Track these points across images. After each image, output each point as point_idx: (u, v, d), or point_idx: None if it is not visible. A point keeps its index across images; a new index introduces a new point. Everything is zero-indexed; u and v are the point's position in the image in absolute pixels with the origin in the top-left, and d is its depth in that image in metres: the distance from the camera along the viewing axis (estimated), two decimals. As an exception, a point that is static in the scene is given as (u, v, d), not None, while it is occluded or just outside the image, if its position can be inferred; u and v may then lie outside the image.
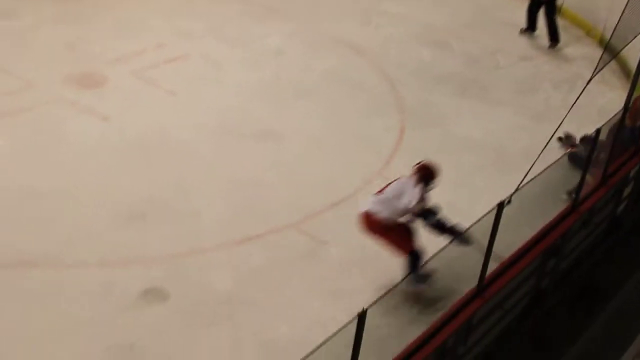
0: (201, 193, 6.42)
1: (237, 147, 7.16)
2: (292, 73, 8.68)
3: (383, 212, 5.26)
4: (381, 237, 5.37)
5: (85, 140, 6.93)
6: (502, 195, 4.87)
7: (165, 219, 6.05)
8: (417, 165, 5.41)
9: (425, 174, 5.34)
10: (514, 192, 5.37)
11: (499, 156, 7.41)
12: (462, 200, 6.33)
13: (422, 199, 5.28)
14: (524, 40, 10.07)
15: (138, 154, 6.84)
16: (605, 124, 6.37)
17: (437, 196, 5.42)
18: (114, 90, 7.76)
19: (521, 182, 5.70)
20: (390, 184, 5.41)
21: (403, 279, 5.29)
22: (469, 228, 4.92)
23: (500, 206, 4.70)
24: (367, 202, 5.37)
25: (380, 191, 5.39)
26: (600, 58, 6.36)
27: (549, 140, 6.32)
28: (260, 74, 8.55)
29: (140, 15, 9.46)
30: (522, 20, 10.14)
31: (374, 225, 5.32)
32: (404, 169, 5.49)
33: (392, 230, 5.33)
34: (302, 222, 6.15)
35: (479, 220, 4.71)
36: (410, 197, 5.23)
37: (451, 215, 5.40)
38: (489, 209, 4.71)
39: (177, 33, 9.15)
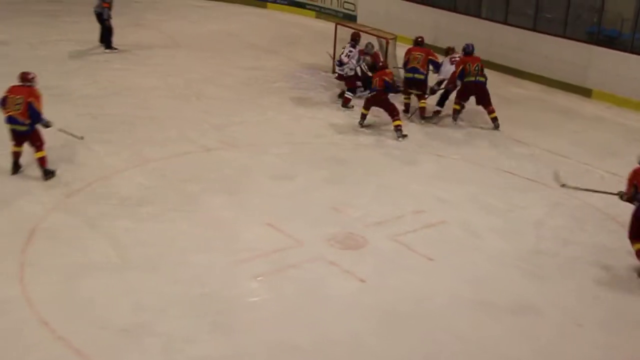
0: (452, 366, 6.24)
1: (491, 319, 6.93)
2: (553, 246, 8.37)
3: None
4: None
5: (341, 300, 7.13)
6: None
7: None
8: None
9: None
10: None
11: None
12: None
13: None
14: None
15: (391, 319, 6.87)
16: None
17: None
18: (372, 253, 8.00)
19: None
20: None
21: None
22: None
23: None
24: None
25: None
26: None
27: None
28: (519, 244, 8.35)
29: (402, 181, 9.84)
30: None
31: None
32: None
33: None
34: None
35: None
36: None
37: None
38: None
39: (436, 199, 9.34)
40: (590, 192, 8.73)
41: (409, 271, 7.69)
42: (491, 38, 15.28)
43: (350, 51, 12.45)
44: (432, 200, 9.32)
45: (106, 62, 14.29)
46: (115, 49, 14.86)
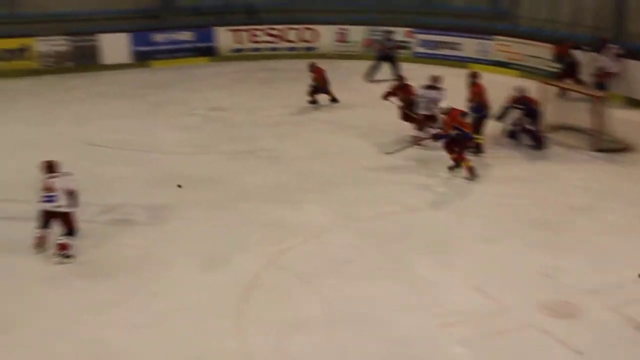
0: None
1: None
2: None
3: None
4: None
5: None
6: None
7: None
8: None
9: None
10: None
11: None
12: None
13: None
14: None
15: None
16: None
17: None
18: (589, 323, 7.53)
19: None
20: None
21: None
22: None
23: None
24: None
25: None
26: None
27: None
28: None
29: (619, 247, 9.21)
30: None
31: None
32: None
33: None
34: None
35: None
36: None
37: None
38: None
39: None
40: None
41: (636, 346, 7.14)
42: None
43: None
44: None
45: (313, 125, 14.94)
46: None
